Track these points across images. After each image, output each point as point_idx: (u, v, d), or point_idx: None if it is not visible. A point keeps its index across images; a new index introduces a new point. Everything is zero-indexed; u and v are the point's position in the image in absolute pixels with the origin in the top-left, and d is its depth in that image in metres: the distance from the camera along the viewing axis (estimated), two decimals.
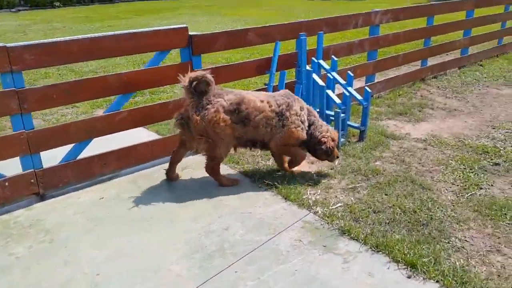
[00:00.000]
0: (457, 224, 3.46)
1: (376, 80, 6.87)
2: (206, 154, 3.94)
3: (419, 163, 4.58)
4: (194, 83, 3.68)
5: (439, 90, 7.41)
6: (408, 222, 3.47)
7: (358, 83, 7.37)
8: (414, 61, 7.73)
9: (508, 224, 3.43)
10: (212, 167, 4.03)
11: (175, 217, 3.60)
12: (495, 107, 6.47)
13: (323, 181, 4.18)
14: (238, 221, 3.53)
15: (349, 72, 5.13)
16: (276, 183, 4.07)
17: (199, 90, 3.73)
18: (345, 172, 4.36)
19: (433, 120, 5.96)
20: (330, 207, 3.69)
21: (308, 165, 4.59)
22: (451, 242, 3.20)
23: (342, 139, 4.91)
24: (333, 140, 4.13)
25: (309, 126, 4.13)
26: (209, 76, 3.73)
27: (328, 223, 3.46)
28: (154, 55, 4.40)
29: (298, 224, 3.46)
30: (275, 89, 5.17)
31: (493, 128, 5.60)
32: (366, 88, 5.01)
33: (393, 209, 3.65)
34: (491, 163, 4.56)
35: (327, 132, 4.16)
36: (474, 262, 2.98)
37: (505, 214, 3.57)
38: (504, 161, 4.57)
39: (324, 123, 4.28)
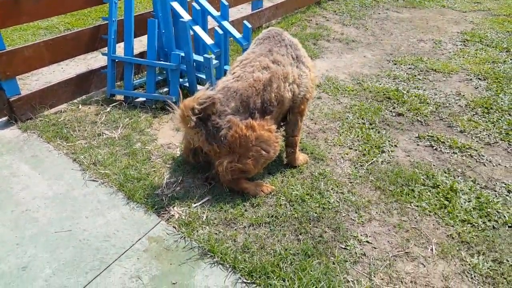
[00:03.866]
0: (356, 213, 2.63)
1: (264, 6, 5.64)
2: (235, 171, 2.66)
3: (311, 120, 3.65)
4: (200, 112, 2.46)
5: (336, 15, 6.43)
6: (295, 217, 2.56)
7: (243, 11, 6.10)
8: None
9: (416, 206, 2.69)
10: (238, 179, 2.71)
11: None
12: (396, 36, 5.71)
13: (190, 159, 3.05)
14: (47, 249, 2.31)
15: (222, 0, 3.81)
16: (117, 173, 2.85)
17: (204, 117, 2.51)
18: None
19: (329, 56, 5.01)
20: (193, 205, 2.63)
21: (172, 132, 3.42)
22: (348, 248, 2.37)
23: None
24: None
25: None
26: (215, 94, 2.52)
27: (185, 236, 2.40)
28: None
29: (141, 244, 2.35)
30: (120, 24, 3.71)
31: (395, 64, 4.83)
32: (245, 22, 3.78)
33: (276, 198, 2.71)
34: (394, 113, 3.79)
35: None
36: (378, 280, 2.18)
37: (413, 190, 2.82)
38: (408, 110, 3.82)
39: None
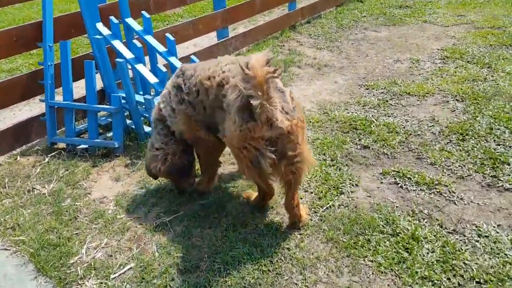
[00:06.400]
0: (301, 274, 2.28)
1: (234, 34, 5.41)
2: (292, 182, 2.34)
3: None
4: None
5: (310, 39, 6.17)
6: (228, 285, 2.20)
7: (212, 40, 5.87)
8: (277, 5, 6.36)
9: (371, 262, 2.33)
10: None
11: None
12: (371, 57, 5.41)
13: (121, 216, 2.75)
14: None
15: (167, 35, 3.56)
16: (34, 238, 2.55)
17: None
18: (161, 191, 2.97)
19: (298, 84, 4.72)
20: (112, 276, 2.29)
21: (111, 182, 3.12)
22: None
23: None
24: None
25: None
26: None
27: None
28: None
29: None
30: (57, 69, 3.47)
31: (367, 89, 4.52)
32: (193, 57, 3.52)
33: (210, 261, 2.37)
34: (359, 146, 3.45)
35: None
36: None
37: (369, 240, 2.46)
38: (374, 141, 3.48)
39: None
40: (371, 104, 4.15)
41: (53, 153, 3.47)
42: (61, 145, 3.59)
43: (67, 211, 2.78)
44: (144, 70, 3.45)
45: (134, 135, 3.61)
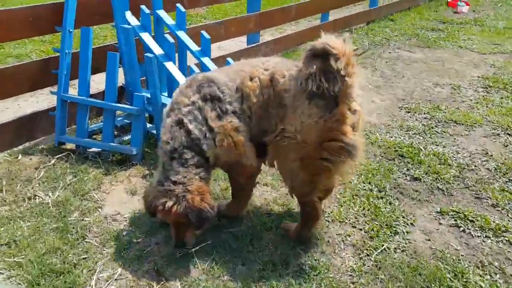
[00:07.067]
0: None
1: (261, 41, 5.02)
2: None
3: None
4: None
5: None
6: None
7: (237, 44, 5.47)
8: (312, 14, 6.01)
9: None
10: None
11: None
12: (409, 78, 5.03)
13: (137, 240, 2.31)
14: None
15: (203, 32, 3.16)
16: (34, 261, 2.10)
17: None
18: None
19: None
20: None
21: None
22: None
23: None
24: None
25: None
26: None
27: None
28: None
29: None
30: (75, 57, 3.05)
31: (408, 112, 4.12)
32: (229, 60, 3.11)
33: None
34: (408, 177, 3.04)
35: None
36: None
37: None
38: (426, 173, 3.07)
39: None
40: (415, 129, 3.75)
41: (60, 155, 3.03)
42: (70, 145, 3.16)
43: (73, 228, 2.33)
44: (174, 68, 3.04)
45: (154, 142, 3.19)
